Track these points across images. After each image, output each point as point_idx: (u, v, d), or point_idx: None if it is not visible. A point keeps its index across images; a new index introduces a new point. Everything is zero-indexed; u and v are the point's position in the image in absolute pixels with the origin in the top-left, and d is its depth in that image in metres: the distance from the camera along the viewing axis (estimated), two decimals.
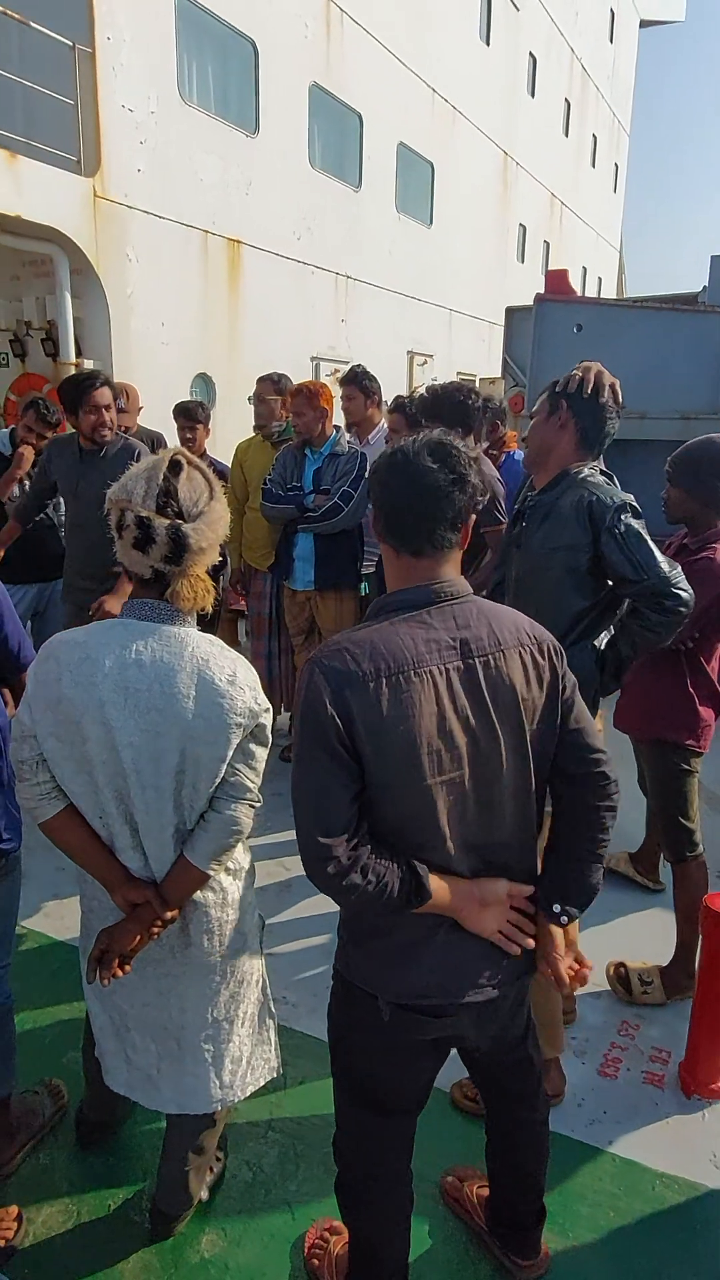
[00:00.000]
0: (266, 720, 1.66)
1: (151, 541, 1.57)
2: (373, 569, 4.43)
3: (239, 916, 1.81)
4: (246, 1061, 1.87)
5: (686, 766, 2.72)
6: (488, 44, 15.82)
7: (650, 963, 2.86)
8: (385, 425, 4.70)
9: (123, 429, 5.07)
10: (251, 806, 1.67)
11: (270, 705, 1.69)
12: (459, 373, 16.34)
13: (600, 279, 25.33)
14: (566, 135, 21.04)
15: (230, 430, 9.10)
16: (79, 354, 8.30)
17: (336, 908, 1.58)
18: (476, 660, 1.48)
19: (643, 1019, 2.74)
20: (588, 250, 23.89)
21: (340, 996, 1.66)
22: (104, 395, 3.45)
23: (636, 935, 3.13)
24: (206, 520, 1.60)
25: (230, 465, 4.82)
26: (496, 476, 3.59)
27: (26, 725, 1.65)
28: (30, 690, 1.65)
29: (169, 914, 1.67)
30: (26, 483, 4.29)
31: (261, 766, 1.69)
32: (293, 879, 3.47)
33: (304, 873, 1.48)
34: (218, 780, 1.63)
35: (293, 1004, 2.76)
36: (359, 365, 4.72)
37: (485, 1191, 2.07)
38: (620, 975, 2.83)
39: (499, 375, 16.52)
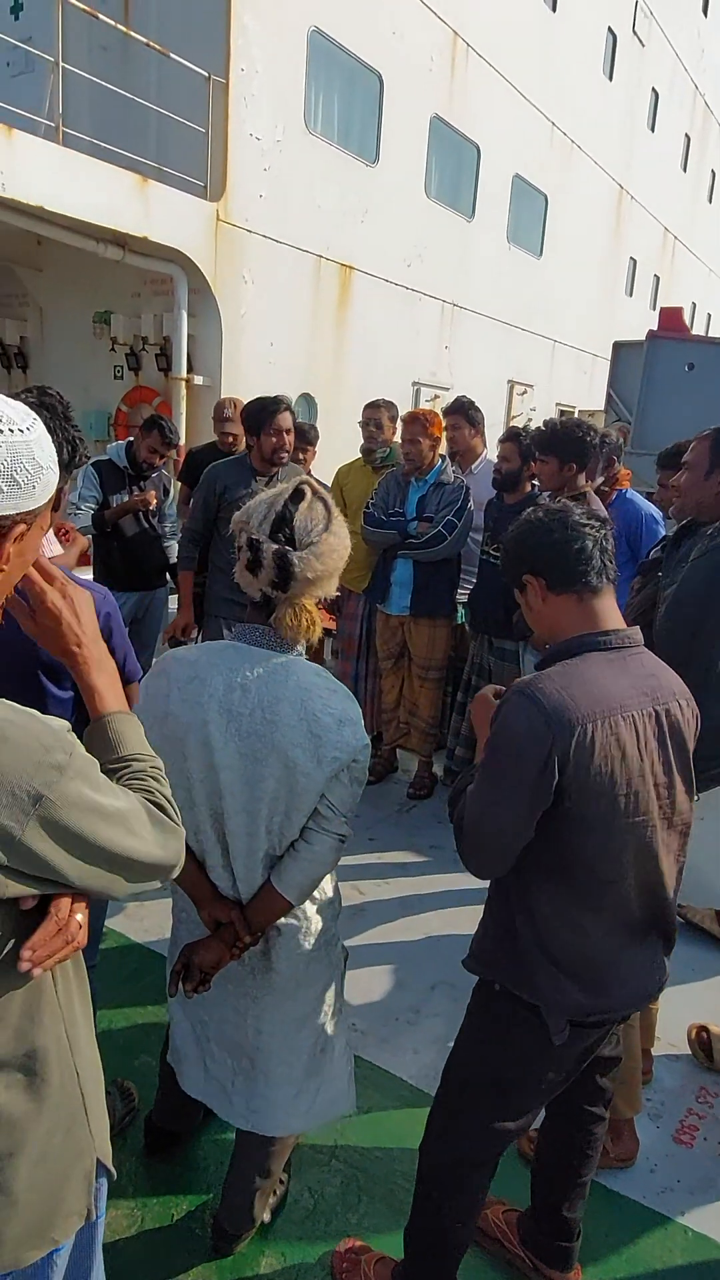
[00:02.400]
0: (365, 758, 1.66)
1: (260, 565, 1.60)
2: (467, 598, 4.43)
3: (322, 947, 1.81)
4: (320, 1093, 1.87)
5: None
6: (610, 79, 15.77)
7: None
8: (488, 456, 4.70)
9: (229, 439, 5.23)
10: (341, 841, 1.68)
11: (370, 742, 1.69)
12: (558, 404, 16.23)
13: (710, 315, 24.82)
14: (685, 170, 20.75)
15: (331, 449, 9.24)
16: (190, 369, 8.56)
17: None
18: (662, 707, 1.57)
19: None
20: (699, 286, 23.46)
21: (493, 1008, 1.71)
22: (287, 419, 3.69)
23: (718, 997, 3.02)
24: (316, 551, 1.60)
25: (330, 487, 4.89)
26: (604, 516, 3.54)
27: None
28: (141, 702, 1.69)
29: (249, 937, 1.69)
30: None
31: (355, 803, 1.69)
32: (367, 903, 3.46)
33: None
34: (310, 811, 1.64)
35: (362, 1031, 2.75)
36: (464, 396, 4.74)
37: (513, 1214, 2.09)
38: (702, 1040, 2.73)
39: (599, 409, 16.37)
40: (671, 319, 6.32)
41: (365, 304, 10.40)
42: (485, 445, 4.79)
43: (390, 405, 4.71)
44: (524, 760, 1.49)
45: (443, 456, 4.28)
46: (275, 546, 1.58)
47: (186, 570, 4.01)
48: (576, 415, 16.81)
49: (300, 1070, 1.83)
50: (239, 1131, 1.94)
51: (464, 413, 4.58)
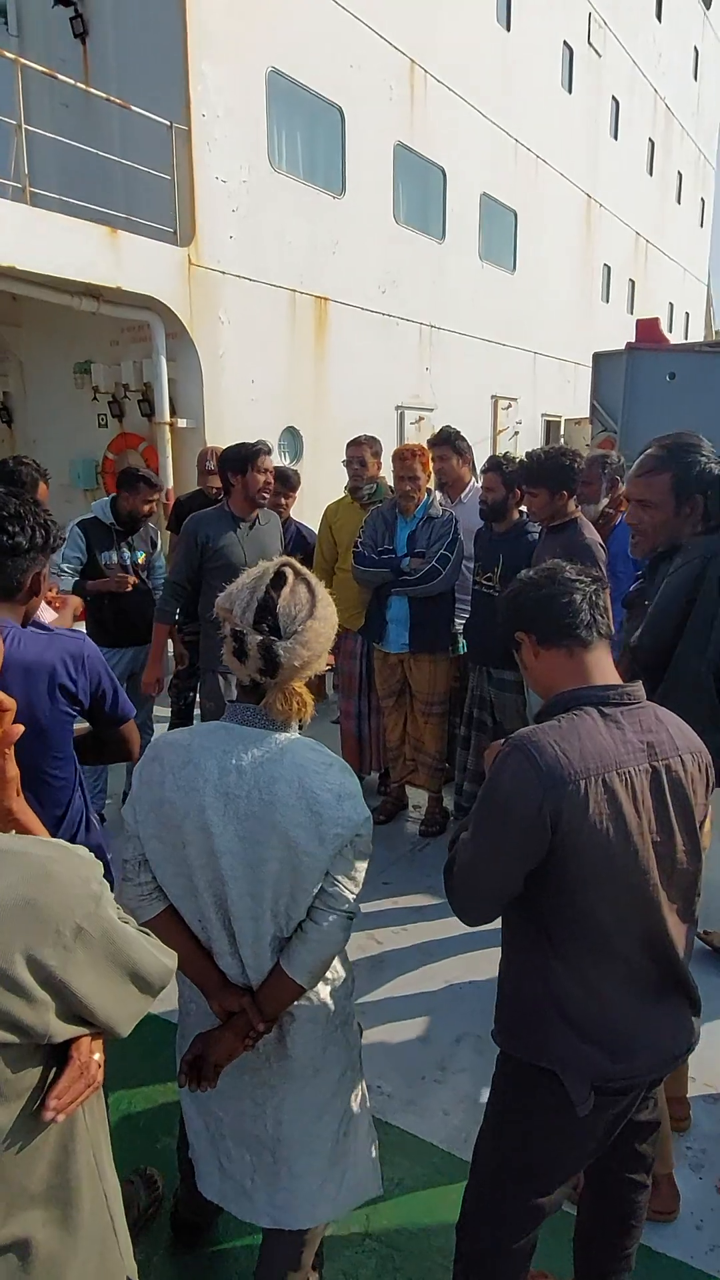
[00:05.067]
0: (368, 831, 1.62)
1: (246, 654, 1.56)
2: (463, 629, 4.38)
3: (338, 1028, 1.76)
4: (346, 1178, 1.81)
5: None
6: (570, 91, 15.93)
7: None
8: (475, 484, 4.67)
9: (214, 489, 5.21)
10: (350, 918, 1.63)
11: (370, 814, 1.65)
12: (543, 415, 16.28)
13: (688, 314, 24.96)
14: (650, 174, 20.95)
15: (319, 480, 9.24)
16: (173, 413, 8.59)
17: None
18: (661, 764, 1.55)
19: None
20: (674, 286, 23.61)
21: (517, 1081, 1.67)
22: (269, 460, 3.80)
23: None
24: (302, 639, 1.56)
25: (319, 525, 4.87)
26: (598, 541, 3.50)
27: (130, 825, 1.66)
28: (135, 790, 1.66)
29: (262, 1026, 1.63)
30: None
31: (361, 877, 1.65)
32: (385, 953, 3.39)
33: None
34: (316, 891, 1.59)
35: (387, 1094, 2.68)
36: (449, 426, 4.72)
37: None
38: None
39: (584, 417, 16.40)
40: (648, 330, 6.32)
41: (343, 334, 10.44)
42: (474, 473, 4.76)
43: (373, 441, 4.69)
44: (513, 815, 1.49)
45: (429, 490, 4.26)
46: (259, 638, 1.55)
47: (161, 623, 3.99)
48: (562, 424, 16.85)
49: (324, 1159, 1.77)
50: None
51: (450, 443, 4.56)
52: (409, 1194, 2.33)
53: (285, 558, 1.71)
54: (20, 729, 1.10)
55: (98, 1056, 1.04)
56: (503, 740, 1.79)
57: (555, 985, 1.58)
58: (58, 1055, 0.99)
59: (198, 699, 4.76)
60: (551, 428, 16.67)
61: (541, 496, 3.58)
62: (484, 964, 3.29)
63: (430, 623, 4.19)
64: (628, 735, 1.54)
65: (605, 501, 4.01)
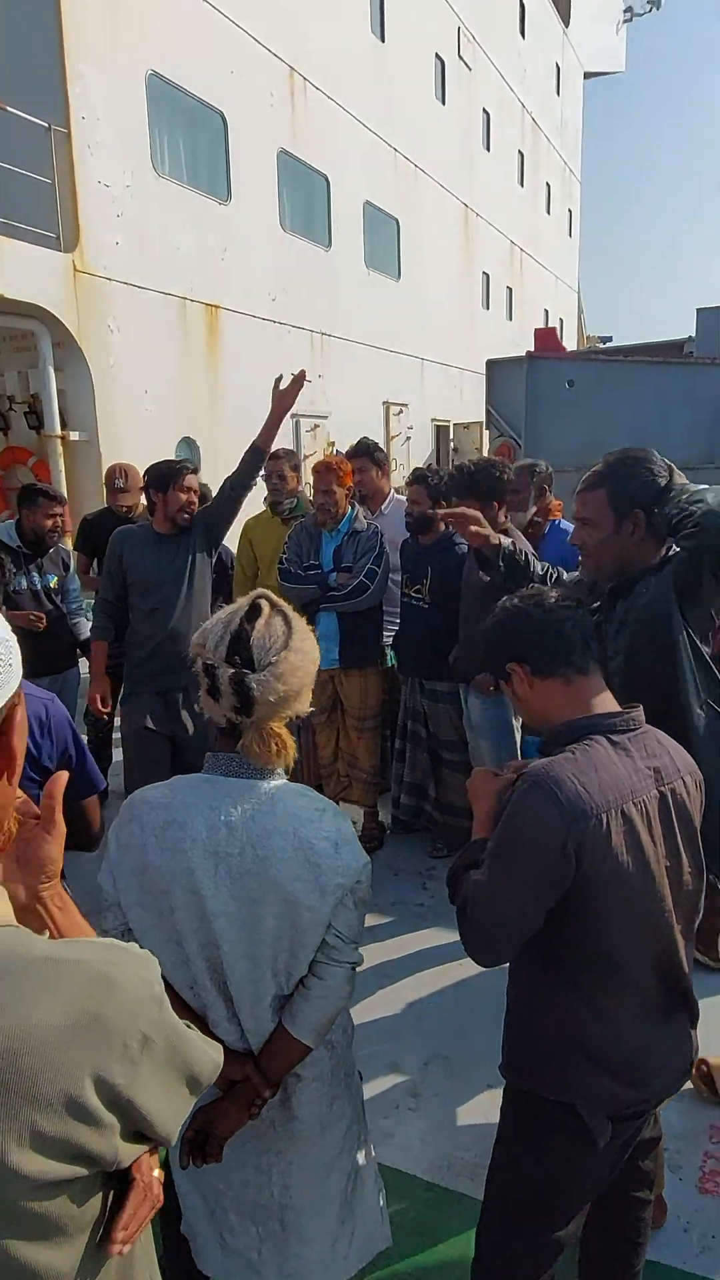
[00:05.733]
0: (367, 877, 1.55)
1: (219, 691, 1.47)
2: (393, 641, 4.36)
3: (342, 1081, 1.68)
4: (356, 1234, 1.73)
5: None
6: (444, 103, 16.27)
7: None
8: (395, 494, 4.66)
9: (124, 509, 5.01)
10: (353, 969, 1.56)
11: (369, 859, 1.58)
12: (433, 419, 16.54)
13: (562, 320, 25.92)
14: (522, 185, 21.65)
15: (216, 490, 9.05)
16: (64, 425, 8.26)
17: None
18: (667, 789, 1.54)
19: None
20: (548, 294, 24.49)
21: (530, 1116, 1.63)
22: (194, 480, 3.69)
23: (714, 1028, 3.00)
24: (276, 671, 1.46)
25: (239, 541, 4.75)
26: (530, 551, 3.53)
27: (109, 893, 1.53)
28: (113, 855, 1.53)
29: (269, 1092, 1.54)
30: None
31: (362, 926, 1.57)
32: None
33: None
34: (318, 944, 1.51)
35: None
36: (367, 438, 4.69)
37: None
38: (703, 1073, 2.71)
39: (473, 421, 16.75)
40: (546, 338, 6.49)
41: (235, 342, 10.31)
42: (391, 484, 4.75)
43: (290, 454, 4.62)
44: (536, 853, 1.45)
45: (352, 503, 4.21)
46: (231, 671, 1.45)
47: (100, 639, 3.80)
48: (451, 429, 17.17)
49: (334, 1218, 1.68)
50: None
51: (369, 455, 4.52)
52: (402, 1232, 2.26)
53: (261, 590, 1.62)
54: (63, 781, 0.97)
55: (157, 1173, 0.94)
56: (515, 776, 1.75)
57: (571, 1017, 1.56)
58: (115, 1176, 0.89)
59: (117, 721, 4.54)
60: (441, 432, 16.97)
61: (473, 508, 3.58)
62: (441, 980, 3.27)
63: (360, 637, 4.14)
64: (637, 763, 1.53)
65: (533, 510, 4.05)
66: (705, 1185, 2.39)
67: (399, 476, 14.36)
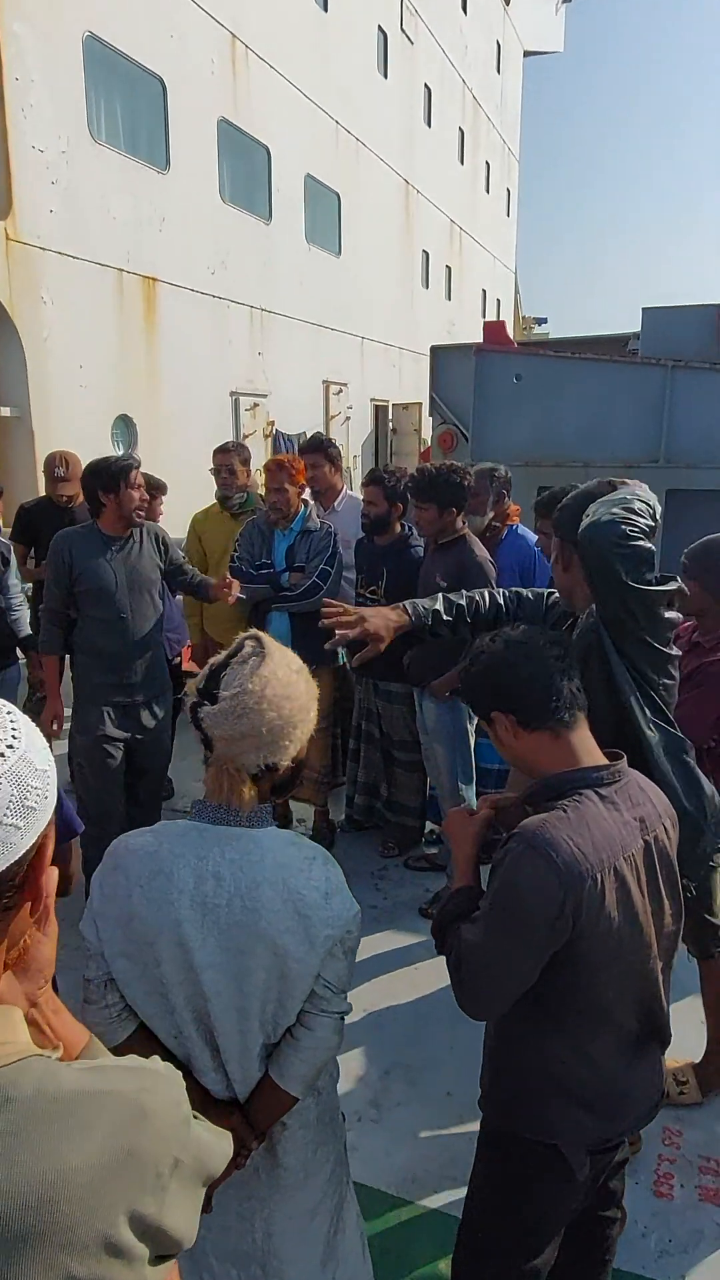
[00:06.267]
0: (356, 927, 1.53)
1: (198, 727, 1.46)
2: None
3: (327, 1125, 1.66)
4: (339, 1277, 1.72)
5: (713, 863, 2.70)
6: (385, 76, 16.02)
7: (683, 1060, 2.83)
8: (348, 491, 4.61)
9: (64, 499, 4.84)
10: (342, 1019, 1.54)
11: (359, 908, 1.56)
12: (372, 399, 16.45)
13: (499, 300, 26.01)
14: (462, 163, 21.55)
15: (155, 470, 8.83)
16: None
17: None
18: (650, 837, 1.56)
19: (683, 1122, 2.69)
20: (486, 273, 24.51)
21: (509, 1153, 1.65)
22: (139, 476, 3.49)
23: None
24: (224, 707, 1.40)
25: (186, 535, 4.64)
26: (487, 558, 3.54)
27: (93, 943, 1.47)
28: (96, 904, 1.47)
29: (255, 1143, 1.52)
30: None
31: (350, 975, 1.55)
32: None
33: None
34: (306, 995, 1.49)
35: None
36: (320, 433, 4.63)
37: None
38: None
39: (412, 402, 16.72)
40: (496, 332, 6.47)
41: (173, 316, 10.03)
42: (344, 481, 4.69)
43: (241, 448, 4.51)
44: (535, 918, 1.45)
45: (305, 501, 4.15)
46: (193, 700, 1.44)
47: (50, 654, 3.61)
48: (390, 409, 17.11)
49: (317, 1263, 1.67)
50: None
51: (323, 450, 4.45)
52: (373, 1251, 2.27)
53: (255, 632, 1.56)
54: (55, 878, 0.91)
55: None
56: (491, 812, 1.75)
57: (552, 1059, 1.58)
58: None
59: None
60: (380, 412, 16.89)
61: (430, 512, 3.57)
62: (399, 987, 3.30)
63: (312, 637, 4.04)
64: (624, 815, 1.54)
65: (491, 515, 4.05)
66: (660, 1189, 2.47)
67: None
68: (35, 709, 4.74)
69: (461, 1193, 1.81)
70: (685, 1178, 2.51)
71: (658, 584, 1.91)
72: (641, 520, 1.86)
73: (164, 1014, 1.48)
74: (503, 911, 1.48)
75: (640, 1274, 2.23)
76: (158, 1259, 0.83)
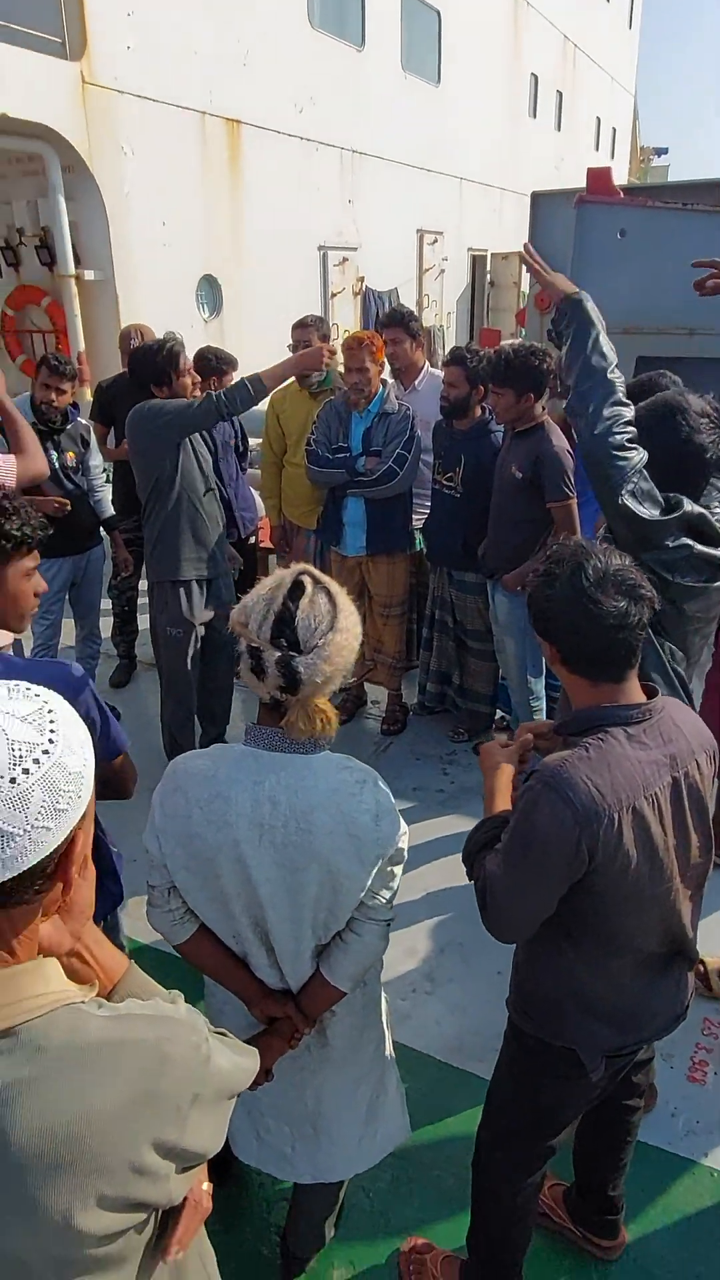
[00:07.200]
0: (405, 843, 1.60)
1: (264, 672, 1.46)
2: (422, 526, 4.27)
3: (373, 1009, 1.82)
4: (379, 1134, 1.92)
5: None
6: None
7: None
8: (430, 371, 4.42)
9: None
10: (388, 925, 1.64)
11: (407, 827, 1.62)
12: (470, 249, 15.44)
13: (615, 130, 23.53)
14: None
15: (240, 337, 8.62)
16: (78, 263, 7.78)
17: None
18: (680, 773, 1.56)
19: None
20: (602, 99, 22.06)
21: (531, 1050, 1.75)
22: (186, 358, 3.54)
23: (713, 928, 3.15)
24: (323, 654, 1.46)
25: (266, 415, 4.57)
26: (565, 448, 3.38)
27: (156, 855, 1.59)
28: (158, 821, 1.58)
29: (307, 1028, 1.67)
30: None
31: (398, 884, 1.65)
32: None
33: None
34: (356, 904, 1.59)
35: None
36: (401, 305, 4.41)
37: (559, 1189, 2.23)
38: (699, 972, 2.88)
39: (512, 251, 15.57)
40: (599, 181, 5.87)
41: (258, 162, 9.49)
42: (425, 358, 4.49)
43: (320, 322, 4.34)
44: (551, 854, 1.49)
45: (384, 381, 4.01)
46: (278, 654, 1.44)
47: None
48: (489, 259, 16.02)
49: (360, 1122, 1.87)
50: None
51: (403, 324, 4.25)
52: (414, 1106, 2.49)
53: (303, 565, 1.57)
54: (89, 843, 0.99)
55: (206, 1186, 1.03)
56: (500, 740, 1.79)
57: (574, 979, 1.65)
58: None
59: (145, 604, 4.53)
60: (478, 263, 15.86)
61: (507, 397, 3.41)
62: (459, 870, 3.39)
63: (387, 524, 4.06)
64: (652, 753, 1.53)
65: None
66: (694, 1074, 2.60)
67: (431, 315, 13.58)
68: (121, 588, 4.91)
69: None
70: (719, 1065, 2.63)
71: (666, 511, 2.06)
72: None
73: (224, 919, 1.61)
74: (520, 848, 1.53)
75: (665, 1149, 2.39)
76: (185, 1168, 0.94)
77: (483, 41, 14.45)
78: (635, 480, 2.05)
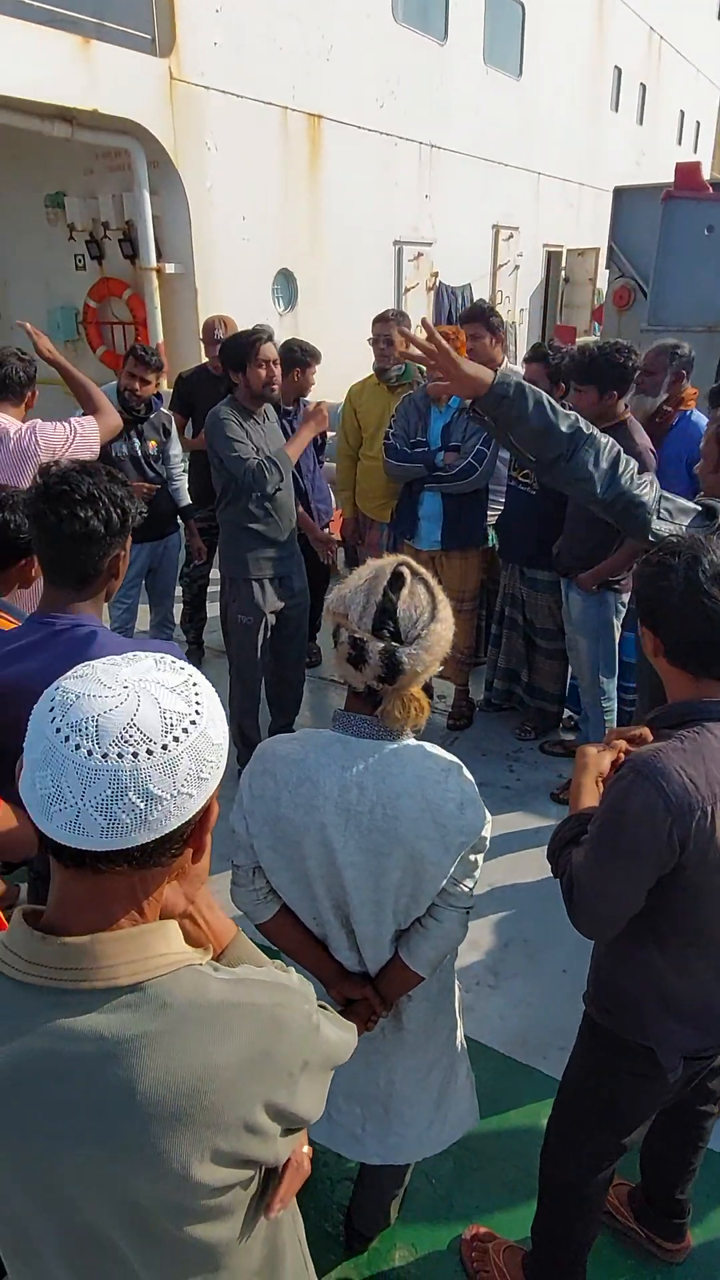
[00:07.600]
0: (488, 833, 1.62)
1: (365, 662, 1.49)
2: (495, 523, 4.27)
3: (448, 995, 1.84)
4: (449, 1118, 1.94)
5: None
6: None
7: None
8: (511, 365, 4.41)
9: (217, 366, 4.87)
10: (469, 912, 1.66)
11: (490, 817, 1.64)
12: (545, 245, 15.26)
13: (699, 124, 22.95)
14: None
15: (314, 331, 8.67)
16: (159, 256, 7.93)
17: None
18: None
19: None
20: (686, 92, 21.53)
21: (607, 1045, 1.75)
22: (271, 349, 3.49)
23: None
24: (424, 644, 1.50)
25: (342, 406, 4.61)
26: (648, 447, 3.34)
27: (243, 835, 1.64)
28: (246, 802, 1.62)
29: (384, 1011, 1.70)
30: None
31: (479, 873, 1.66)
32: None
33: None
34: (437, 891, 1.61)
35: None
36: (483, 301, 4.40)
37: (624, 1188, 2.22)
38: None
39: (589, 248, 15.36)
40: (688, 176, 5.76)
41: (338, 157, 9.53)
42: (505, 354, 4.47)
43: (401, 316, 4.36)
44: (641, 844, 1.48)
45: None
46: (381, 645, 1.47)
47: None
48: (564, 255, 15.82)
49: (431, 1106, 1.89)
50: None
51: (484, 319, 4.23)
52: (481, 1098, 2.52)
53: (399, 556, 1.60)
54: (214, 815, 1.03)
55: (306, 1149, 1.07)
56: (623, 763, 1.77)
57: (656, 975, 1.64)
58: None
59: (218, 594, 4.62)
60: (553, 259, 15.67)
61: (589, 395, 3.38)
62: (526, 865, 3.44)
63: (463, 519, 4.06)
64: None
65: (664, 397, 3.76)
66: None
67: (504, 311, 13.46)
68: (193, 576, 5.01)
69: (564, 1060, 1.95)
70: None
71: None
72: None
73: (307, 901, 1.65)
74: (610, 836, 1.52)
75: None
76: (288, 1131, 0.98)
77: (566, 33, 14.25)
78: (660, 505, 2.00)
